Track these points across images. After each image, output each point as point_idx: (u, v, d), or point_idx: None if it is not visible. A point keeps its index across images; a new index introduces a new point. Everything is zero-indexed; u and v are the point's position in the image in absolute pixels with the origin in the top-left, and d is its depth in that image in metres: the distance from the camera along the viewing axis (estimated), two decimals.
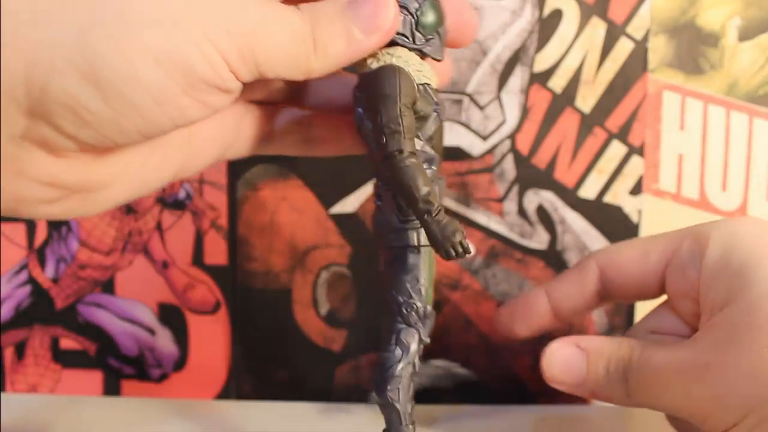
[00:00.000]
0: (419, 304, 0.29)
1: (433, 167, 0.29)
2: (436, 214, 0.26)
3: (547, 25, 0.44)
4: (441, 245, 0.26)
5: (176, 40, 0.21)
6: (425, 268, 0.29)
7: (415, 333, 0.30)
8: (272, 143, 0.33)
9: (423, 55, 0.29)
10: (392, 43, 0.28)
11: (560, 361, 0.32)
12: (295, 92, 0.33)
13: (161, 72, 0.22)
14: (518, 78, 0.45)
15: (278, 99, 0.33)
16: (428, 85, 0.29)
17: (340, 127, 0.33)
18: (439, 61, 0.30)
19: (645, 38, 0.44)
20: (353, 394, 0.47)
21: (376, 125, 0.27)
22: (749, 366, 0.27)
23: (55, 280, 0.48)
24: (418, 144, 0.29)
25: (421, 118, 0.29)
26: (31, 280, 0.48)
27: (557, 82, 0.45)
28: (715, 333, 0.28)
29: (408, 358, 0.29)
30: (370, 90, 0.28)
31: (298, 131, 0.33)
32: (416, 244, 0.29)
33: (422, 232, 0.28)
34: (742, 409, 0.27)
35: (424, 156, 0.29)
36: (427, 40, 0.29)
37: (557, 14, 0.44)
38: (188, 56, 0.22)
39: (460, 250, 0.26)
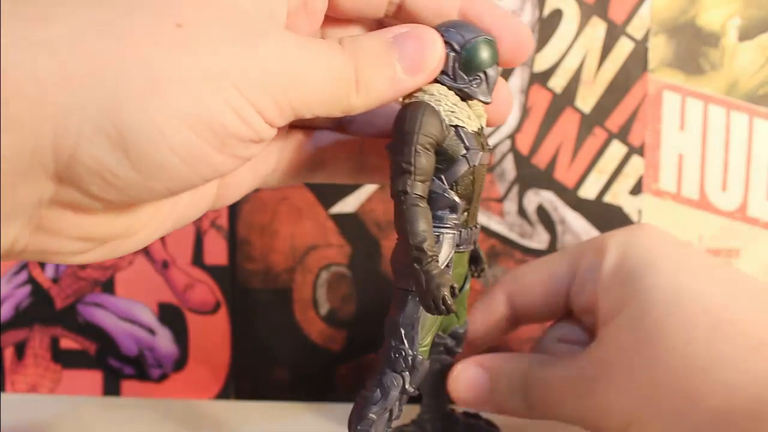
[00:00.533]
0: (409, 352, 0.28)
1: (455, 214, 0.28)
2: (427, 264, 0.26)
3: (547, 25, 0.44)
4: (423, 297, 0.26)
5: (206, 99, 0.21)
6: (426, 317, 0.28)
7: (399, 380, 0.28)
8: (322, 170, 0.32)
9: (465, 95, 0.28)
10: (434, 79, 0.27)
11: (465, 381, 0.33)
12: (338, 119, 0.32)
13: (191, 134, 0.21)
14: (518, 78, 0.45)
15: (321, 125, 0.31)
16: (462, 128, 0.27)
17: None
18: (486, 104, 0.28)
19: (645, 38, 0.44)
20: (353, 394, 0.47)
21: (391, 161, 0.27)
22: (630, 381, 0.28)
23: (55, 280, 0.48)
24: (439, 188, 0.28)
25: (448, 161, 0.28)
26: (31, 280, 0.48)
27: (557, 82, 0.45)
28: (603, 347, 0.29)
29: (385, 404, 0.28)
30: (394, 124, 0.27)
31: (349, 158, 0.32)
32: (419, 291, 0.28)
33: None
34: (625, 419, 0.28)
35: (444, 201, 0.28)
36: (471, 81, 0.27)
37: (557, 14, 0.44)
38: (219, 114, 0.21)
39: (441, 307, 0.25)
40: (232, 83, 0.21)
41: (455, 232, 0.28)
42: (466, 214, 0.29)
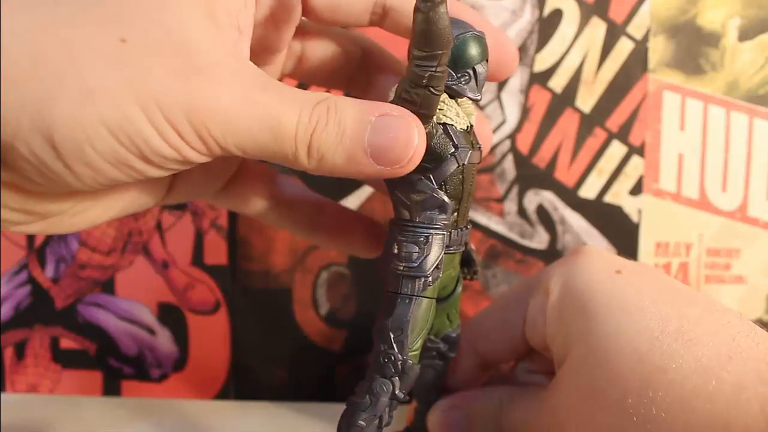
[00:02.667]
0: (399, 357, 0.27)
1: (444, 214, 0.27)
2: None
3: (547, 25, 0.44)
4: None
5: (132, 115, 0.22)
6: (416, 318, 0.27)
7: (389, 386, 0.28)
8: (275, 213, 0.32)
9: (453, 92, 0.27)
10: None
11: (443, 422, 0.34)
12: None
13: (116, 143, 0.22)
14: (518, 78, 0.45)
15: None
16: (450, 125, 0.27)
17: (347, 220, 0.32)
18: (476, 101, 0.28)
19: (645, 38, 0.44)
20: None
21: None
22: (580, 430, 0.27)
23: (55, 280, 0.48)
24: (428, 187, 0.27)
25: (436, 160, 0.27)
26: (31, 280, 0.48)
27: (557, 82, 0.45)
28: (554, 393, 0.29)
29: (374, 410, 0.28)
30: None
31: (303, 211, 0.32)
32: (409, 292, 0.27)
33: (418, 284, 0.27)
34: None
35: (433, 201, 0.27)
36: (459, 77, 0.27)
37: (557, 14, 0.44)
38: (144, 132, 0.22)
39: None
40: (157, 106, 0.22)
41: (445, 233, 0.28)
42: (455, 214, 0.28)
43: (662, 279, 0.30)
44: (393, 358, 0.28)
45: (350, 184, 0.46)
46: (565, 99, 0.45)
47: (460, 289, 0.32)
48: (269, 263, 0.47)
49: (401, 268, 0.27)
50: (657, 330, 0.26)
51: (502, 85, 0.45)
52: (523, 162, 0.45)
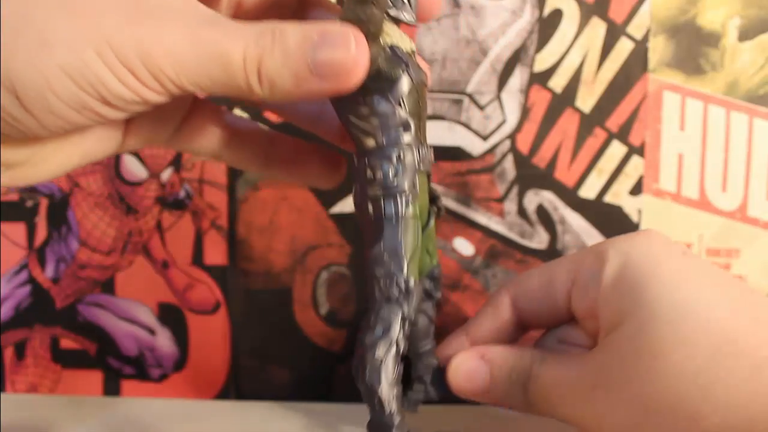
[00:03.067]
0: (401, 277, 0.27)
1: (409, 132, 0.28)
2: None
3: (547, 25, 0.44)
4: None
5: (88, 60, 0.23)
6: (407, 240, 0.28)
7: (397, 309, 0.27)
8: (227, 150, 0.32)
9: (390, 18, 0.28)
10: None
11: (465, 372, 0.33)
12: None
13: (76, 87, 0.23)
14: (518, 78, 0.45)
15: (235, 103, 0.32)
16: (397, 47, 0.27)
17: (301, 152, 0.33)
18: (412, 25, 0.29)
19: (645, 38, 0.44)
20: (353, 394, 0.47)
21: None
22: (627, 392, 0.28)
23: (55, 280, 0.48)
24: (388, 108, 0.27)
25: (389, 80, 0.27)
26: (31, 280, 0.48)
27: (557, 82, 0.45)
28: (603, 354, 0.29)
29: (389, 338, 0.27)
30: None
31: (256, 145, 0.32)
32: (393, 213, 0.28)
33: (400, 201, 0.27)
34: (620, 430, 0.28)
35: (396, 120, 0.27)
36: (394, 2, 0.28)
37: (557, 14, 0.44)
38: (101, 75, 0.23)
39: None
40: (112, 50, 0.23)
41: (413, 149, 0.28)
42: (419, 132, 0.28)
43: (719, 269, 0.31)
44: (395, 279, 0.27)
45: (351, 184, 0.46)
46: (565, 99, 0.45)
47: (432, 222, 0.31)
48: (269, 263, 0.47)
49: (380, 191, 0.28)
50: (726, 305, 0.28)
51: (502, 85, 0.45)
52: (523, 162, 0.45)
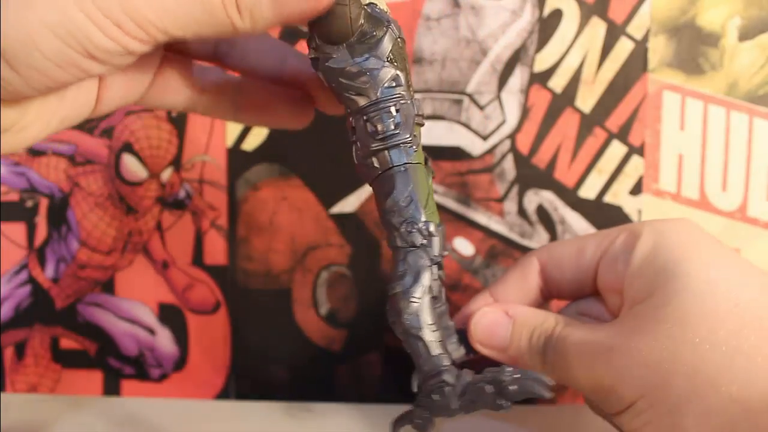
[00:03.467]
0: (422, 221, 0.27)
1: (400, 86, 0.28)
2: None
3: (547, 25, 0.44)
4: None
5: (71, 14, 0.23)
6: (419, 185, 0.28)
7: (423, 254, 0.27)
8: (199, 102, 0.33)
9: None
10: None
11: (487, 324, 0.33)
12: (221, 52, 0.33)
13: (60, 43, 0.24)
14: (518, 78, 0.45)
15: (202, 56, 0.33)
16: (374, 4, 0.28)
17: (268, 97, 0.33)
18: None
19: (645, 38, 0.44)
20: (353, 394, 0.47)
21: None
22: (647, 354, 0.28)
23: (55, 280, 0.48)
24: (377, 63, 0.28)
25: (374, 38, 0.28)
26: (31, 280, 0.48)
27: (557, 82, 0.45)
28: (626, 321, 0.30)
29: (421, 283, 0.27)
30: None
31: (225, 94, 0.33)
32: (400, 162, 0.28)
33: (406, 149, 0.28)
34: (636, 393, 0.28)
35: (386, 73, 0.28)
36: None
37: (557, 14, 0.44)
38: (84, 28, 0.24)
39: None
40: (94, 3, 0.24)
41: (408, 100, 0.28)
42: (408, 84, 0.29)
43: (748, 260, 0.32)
44: (417, 225, 0.27)
45: (351, 184, 0.46)
46: (565, 99, 0.45)
47: (431, 180, 0.31)
48: (269, 263, 0.47)
49: (384, 144, 0.28)
50: (756, 288, 0.28)
51: (502, 85, 0.45)
52: (523, 162, 0.45)
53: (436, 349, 0.27)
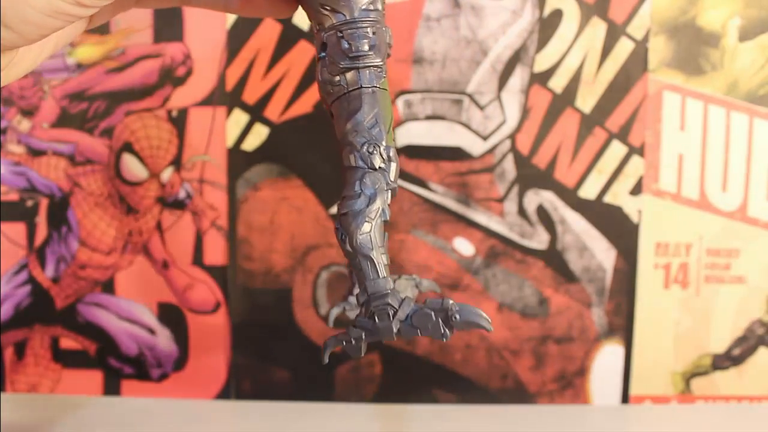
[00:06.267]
0: (382, 144, 0.28)
1: (377, 8, 0.28)
2: None
3: (548, 25, 0.44)
4: None
5: None
6: (385, 110, 0.28)
7: (380, 176, 0.27)
8: None
9: None
10: None
11: None
12: None
13: None
14: (518, 78, 0.45)
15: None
16: None
17: None
18: None
19: (645, 38, 0.44)
20: (353, 394, 0.47)
21: None
22: None
23: (55, 280, 0.48)
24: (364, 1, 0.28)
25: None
26: (31, 280, 0.48)
27: (557, 82, 0.45)
28: None
29: (377, 205, 0.27)
30: None
31: None
32: (371, 84, 0.28)
33: (377, 72, 0.28)
34: None
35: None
36: None
37: (557, 14, 0.44)
38: None
39: None
40: None
41: (381, 24, 0.28)
42: (381, 11, 0.29)
43: None
44: (378, 147, 0.28)
45: None
46: (565, 99, 0.45)
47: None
48: (269, 263, 0.47)
49: (356, 63, 0.28)
50: None
51: (502, 85, 0.45)
52: (523, 162, 0.45)
53: (383, 272, 0.27)
